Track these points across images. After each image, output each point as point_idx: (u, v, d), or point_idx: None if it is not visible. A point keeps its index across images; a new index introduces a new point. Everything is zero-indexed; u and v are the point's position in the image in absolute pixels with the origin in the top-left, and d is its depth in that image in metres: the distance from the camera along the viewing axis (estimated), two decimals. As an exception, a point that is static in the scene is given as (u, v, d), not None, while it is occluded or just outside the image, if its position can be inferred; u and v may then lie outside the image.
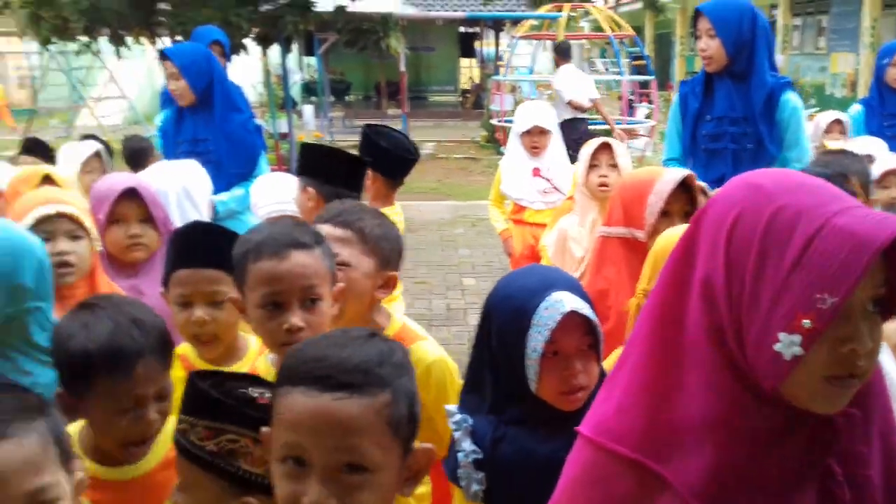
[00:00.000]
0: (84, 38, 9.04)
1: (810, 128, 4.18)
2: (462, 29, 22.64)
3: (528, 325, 1.46)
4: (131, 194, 2.34)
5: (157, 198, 2.43)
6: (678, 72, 23.04)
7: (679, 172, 2.31)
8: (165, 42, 9.57)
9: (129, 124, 14.79)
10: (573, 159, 5.36)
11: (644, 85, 14.59)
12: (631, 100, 14.24)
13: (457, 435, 1.54)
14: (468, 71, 24.18)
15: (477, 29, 22.07)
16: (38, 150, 3.99)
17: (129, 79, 15.03)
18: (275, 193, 2.83)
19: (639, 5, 21.09)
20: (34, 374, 1.72)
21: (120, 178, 2.46)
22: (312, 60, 19.02)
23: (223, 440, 1.20)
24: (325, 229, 1.82)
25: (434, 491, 1.84)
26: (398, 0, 18.27)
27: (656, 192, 2.23)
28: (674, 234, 1.84)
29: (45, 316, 1.79)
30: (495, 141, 13.52)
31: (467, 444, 1.52)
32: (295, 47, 13.12)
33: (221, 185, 3.71)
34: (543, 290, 1.49)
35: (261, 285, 1.57)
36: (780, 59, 14.49)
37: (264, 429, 1.12)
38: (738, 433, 0.96)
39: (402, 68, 14.54)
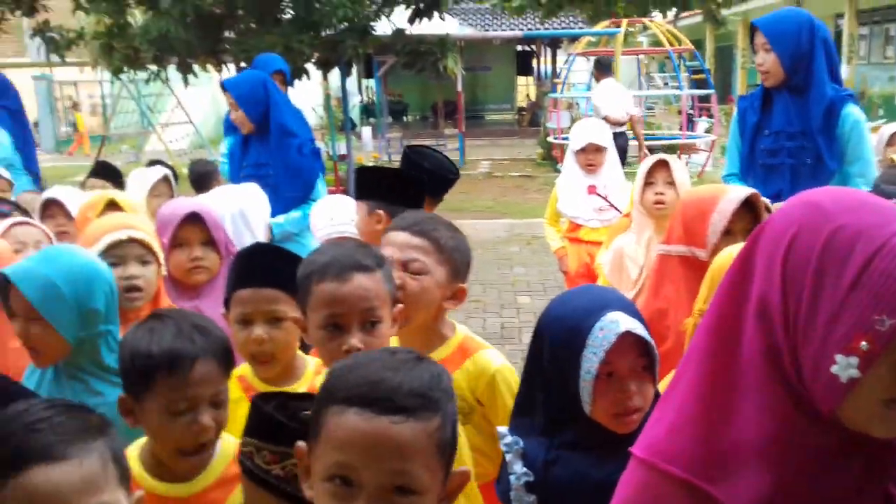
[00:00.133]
0: (153, 67, 9.37)
1: (874, 139, 4.05)
2: (519, 47, 22.72)
3: (582, 345, 1.45)
4: (194, 218, 2.42)
5: (218, 222, 2.51)
6: (740, 84, 22.63)
7: (743, 191, 2.26)
8: (230, 69, 9.86)
9: (194, 148, 15.26)
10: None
11: (704, 99, 14.36)
12: (690, 114, 14.03)
13: (508, 457, 1.53)
14: (525, 89, 24.22)
15: (534, 47, 22.13)
16: (106, 173, 4.15)
17: (194, 105, 15.51)
18: (334, 215, 2.87)
19: (699, 18, 20.81)
20: (105, 395, 1.79)
21: (183, 203, 2.54)
22: (371, 83, 19.33)
23: (289, 464, 1.22)
24: (402, 237, 1.86)
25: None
26: (455, 21, 18.46)
27: (720, 211, 2.19)
28: (731, 252, 1.81)
29: (113, 338, 1.87)
30: (552, 158, 13.48)
31: (518, 467, 1.51)
32: (354, 70, 13.36)
33: (279, 208, 3.80)
34: (598, 310, 1.47)
35: (322, 307, 1.61)
36: (845, 70, 14.10)
37: (300, 444, 1.13)
38: (793, 455, 0.94)
39: (459, 88, 14.65)
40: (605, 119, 8.59)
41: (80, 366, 1.87)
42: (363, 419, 1.03)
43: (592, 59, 14.90)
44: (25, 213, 3.10)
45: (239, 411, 1.81)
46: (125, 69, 9.32)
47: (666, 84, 20.02)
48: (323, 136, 11.94)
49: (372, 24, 9.59)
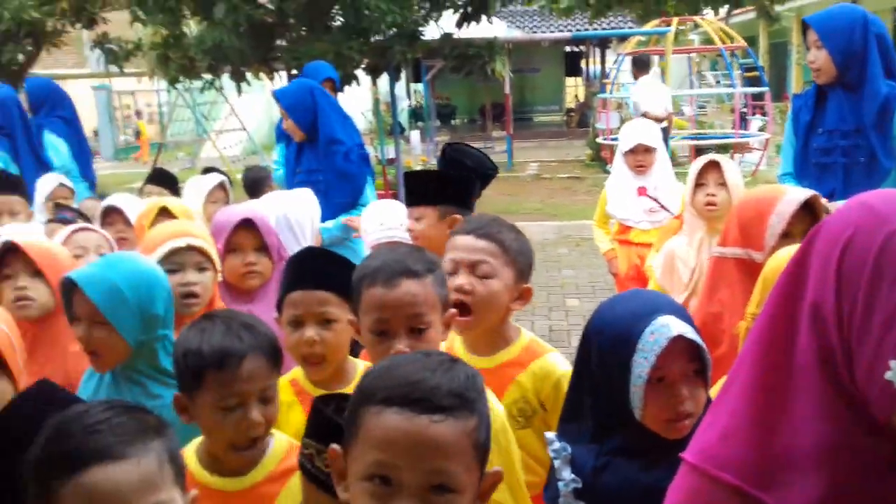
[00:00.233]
0: (208, 76, 9.60)
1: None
2: (567, 48, 22.58)
3: (632, 350, 1.44)
4: (247, 224, 2.48)
5: (270, 227, 2.56)
6: (794, 82, 22.08)
7: (803, 192, 2.22)
8: (282, 76, 10.03)
9: (247, 155, 15.54)
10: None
11: (758, 97, 14.06)
12: (743, 112, 13.76)
13: (556, 463, 1.52)
14: (573, 90, 24.05)
15: (582, 48, 21.97)
16: (162, 180, 4.27)
17: (247, 112, 15.81)
18: (384, 220, 2.87)
19: (752, 15, 20.38)
20: (163, 397, 1.84)
21: (237, 210, 2.60)
22: (419, 87, 19.43)
23: None
24: (468, 240, 1.88)
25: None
26: (503, 24, 18.45)
27: (778, 213, 2.15)
28: (784, 255, 1.77)
29: (170, 342, 1.93)
30: (601, 159, 13.36)
31: (567, 474, 1.50)
32: (403, 75, 13.46)
33: (329, 213, 3.87)
34: (648, 314, 1.46)
35: (371, 311, 1.63)
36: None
37: (334, 446, 1.15)
38: (848, 463, 0.92)
39: (507, 90, 14.63)
40: (645, 115, 8.55)
41: (138, 369, 1.93)
42: (403, 418, 1.05)
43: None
44: (87, 220, 3.21)
45: (291, 415, 1.87)
46: (181, 78, 9.57)
47: (718, 82, 19.67)
48: (372, 140, 12.04)
49: (420, 28, 9.66)
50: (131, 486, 1.10)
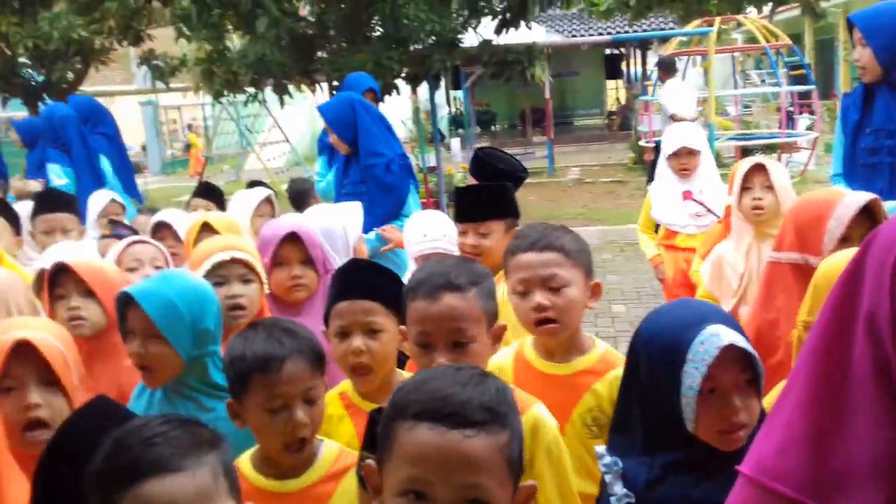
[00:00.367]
0: (251, 90, 9.76)
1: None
2: (607, 50, 22.42)
3: (682, 360, 1.41)
4: (293, 238, 2.50)
5: (315, 240, 2.58)
6: (842, 79, 21.57)
7: (862, 196, 2.19)
8: (323, 88, 10.15)
9: (291, 166, 15.73)
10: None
11: (805, 95, 13.78)
12: (790, 111, 13.48)
13: (608, 478, 1.51)
14: (614, 92, 23.85)
15: (623, 49, 21.78)
16: (208, 193, 4.34)
17: (290, 124, 16.02)
18: (427, 231, 2.87)
19: (796, 12, 19.99)
20: (216, 410, 1.88)
21: (282, 223, 2.62)
22: (459, 94, 19.46)
23: None
24: (531, 258, 1.88)
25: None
26: (542, 29, 18.39)
27: (837, 217, 2.11)
28: (836, 260, 1.74)
29: (219, 357, 1.96)
30: (644, 163, 13.21)
31: (619, 488, 1.48)
32: (442, 83, 13.51)
33: (373, 224, 3.92)
34: (697, 323, 1.44)
35: (415, 324, 1.66)
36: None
37: (369, 462, 1.16)
38: None
39: (547, 95, 14.57)
40: (672, 118, 8.56)
41: (189, 384, 1.97)
42: (436, 433, 1.05)
43: (684, 59, 14.58)
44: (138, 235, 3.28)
45: (341, 427, 1.89)
46: (225, 92, 9.74)
47: (763, 81, 19.33)
48: (412, 148, 12.10)
49: (459, 36, 9.69)
50: (186, 498, 1.13)
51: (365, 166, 4.12)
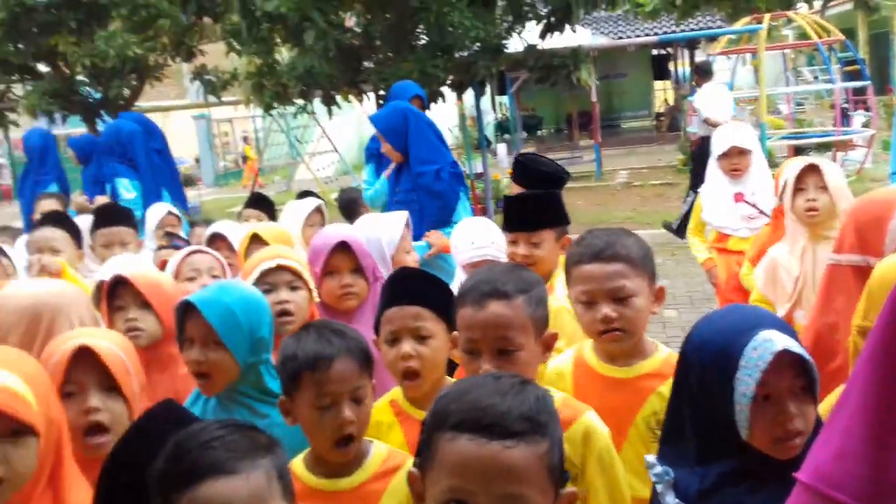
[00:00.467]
0: (300, 101, 9.91)
1: None
2: (655, 51, 22.15)
3: (735, 367, 1.39)
4: (343, 247, 2.54)
5: (365, 249, 2.62)
6: (900, 72, 20.94)
7: None
8: (370, 97, 10.24)
9: (339, 175, 15.93)
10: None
11: (859, 91, 13.41)
12: (845, 108, 13.13)
13: (659, 488, 1.49)
14: (662, 93, 23.54)
15: (670, 50, 21.50)
16: (259, 204, 4.44)
17: (338, 134, 16.22)
18: (475, 239, 2.85)
19: (849, 6, 19.49)
20: (271, 416, 1.92)
21: (333, 233, 2.66)
22: (504, 99, 19.45)
23: None
24: (595, 269, 1.87)
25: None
26: (588, 31, 18.26)
27: None
28: (891, 263, 1.69)
29: (271, 365, 2.01)
30: (695, 164, 13.00)
31: (671, 499, 1.46)
32: (488, 88, 13.52)
33: (423, 232, 3.92)
34: (749, 329, 1.41)
35: (463, 330, 1.70)
36: None
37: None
38: None
39: (594, 98, 14.46)
40: (706, 121, 8.57)
41: (243, 392, 2.02)
42: (476, 445, 1.07)
43: (734, 57, 14.33)
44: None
45: (391, 435, 1.91)
46: (275, 105, 9.90)
47: (816, 78, 18.86)
48: (459, 155, 12.12)
49: (504, 42, 9.68)
50: (241, 500, 1.17)
51: (415, 174, 4.15)
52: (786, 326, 1.48)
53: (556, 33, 9.83)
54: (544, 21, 9.78)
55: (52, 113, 10.87)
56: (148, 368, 2.19)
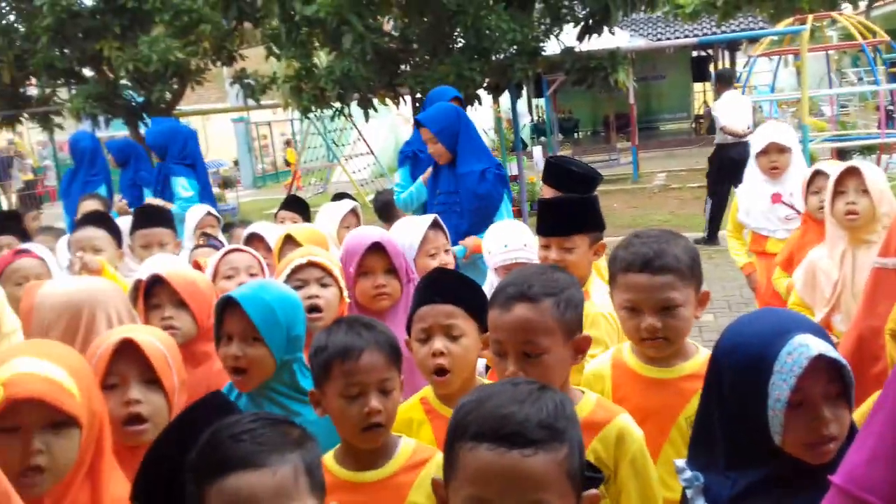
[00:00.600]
0: (337, 105, 10.00)
1: None
2: (694, 53, 21.90)
3: (768, 372, 1.37)
4: (377, 248, 2.56)
5: (399, 250, 2.63)
6: (948, 74, 20.40)
7: None
8: (406, 101, 10.29)
9: (375, 178, 16.02)
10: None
11: (905, 93, 13.08)
12: (890, 110, 12.83)
13: (689, 493, 1.47)
14: (701, 95, 23.25)
15: (710, 51, 21.24)
16: (295, 206, 4.49)
17: (373, 136, 16.31)
18: (508, 242, 2.83)
19: (894, 6, 19.05)
20: (303, 414, 1.95)
21: (366, 234, 2.68)
22: (541, 101, 19.38)
23: None
24: (642, 280, 1.85)
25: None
26: (626, 33, 18.12)
27: None
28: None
29: (304, 364, 2.03)
30: (734, 167, 12.81)
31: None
32: (524, 91, 13.47)
33: (465, 233, 3.94)
34: (783, 333, 1.39)
35: (491, 332, 1.71)
36: None
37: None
38: None
39: (632, 100, 14.34)
40: (723, 130, 8.63)
41: (276, 389, 2.05)
42: (495, 454, 1.08)
43: (775, 59, 14.11)
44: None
45: (421, 432, 1.94)
46: (312, 108, 10.00)
47: (860, 79, 18.47)
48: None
49: (541, 44, 9.66)
50: (267, 493, 1.19)
51: (461, 175, 4.13)
52: (820, 330, 1.45)
53: (594, 35, 9.77)
54: (582, 23, 9.74)
55: (95, 116, 11.11)
56: (184, 363, 2.25)
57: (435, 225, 3.03)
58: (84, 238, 3.43)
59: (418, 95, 9.38)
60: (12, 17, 11.75)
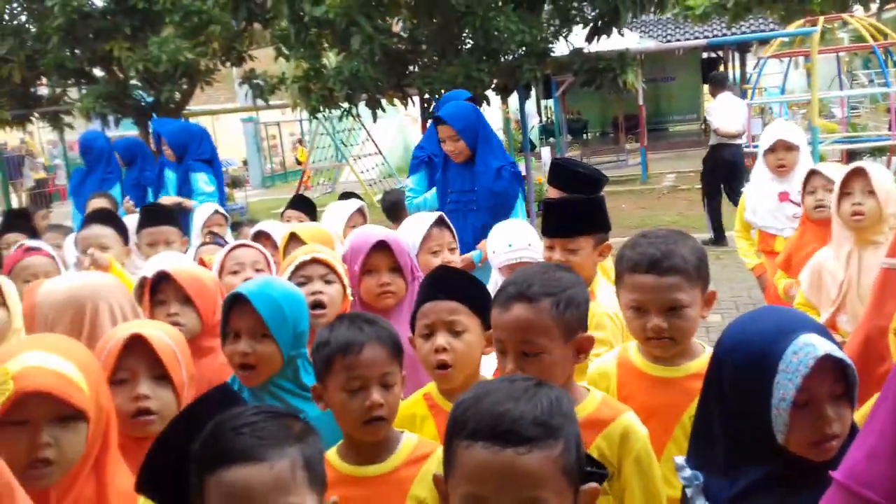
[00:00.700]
0: (346, 105, 10.02)
1: None
2: (704, 54, 21.84)
3: (773, 371, 1.37)
4: (382, 246, 2.57)
5: (404, 248, 2.64)
6: (961, 76, 20.26)
7: None
8: (415, 101, 10.30)
9: (383, 178, 16.05)
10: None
11: (917, 95, 12.99)
12: (902, 112, 12.75)
13: (689, 492, 1.47)
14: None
15: (720, 53, 21.18)
16: (301, 205, 4.51)
17: (381, 137, 16.34)
18: (512, 241, 2.82)
19: (907, 8, 18.92)
20: (305, 411, 1.93)
21: (371, 232, 2.69)
22: (550, 102, 19.36)
23: None
24: (649, 280, 1.85)
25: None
26: (636, 34, 18.08)
27: None
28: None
29: (307, 360, 2.04)
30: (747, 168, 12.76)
31: (701, 502, 1.45)
32: (533, 92, 13.47)
33: (480, 232, 3.94)
34: (788, 332, 1.39)
35: (493, 331, 1.72)
36: None
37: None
38: None
39: (641, 101, 14.32)
40: (716, 132, 8.80)
41: (280, 385, 2.06)
42: (490, 453, 1.09)
43: (786, 60, 14.04)
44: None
45: (424, 428, 1.95)
46: (321, 108, 10.03)
47: (871, 81, 18.38)
48: (504, 159, 12.08)
49: (550, 45, 9.65)
50: (263, 487, 1.20)
51: (479, 172, 4.12)
52: (823, 330, 1.45)
53: (604, 36, 9.77)
54: (591, 24, 9.73)
55: (105, 116, 11.17)
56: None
57: (440, 223, 3.02)
58: (91, 236, 3.45)
59: (426, 96, 9.40)
60: (24, 18, 11.82)
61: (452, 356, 1.94)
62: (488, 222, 3.96)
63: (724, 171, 8.78)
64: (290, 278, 2.39)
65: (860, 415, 1.44)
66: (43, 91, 12.69)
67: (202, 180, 5.91)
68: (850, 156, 10.97)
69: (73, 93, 12.43)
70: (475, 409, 1.15)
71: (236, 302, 2.02)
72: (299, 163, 21.69)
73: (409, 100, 10.37)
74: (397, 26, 10.33)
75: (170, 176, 6.07)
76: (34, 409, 1.49)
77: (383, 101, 10.06)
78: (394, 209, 5.24)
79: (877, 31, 12.51)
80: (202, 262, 2.99)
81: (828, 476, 1.11)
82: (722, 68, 21.43)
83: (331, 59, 10.53)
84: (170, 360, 1.83)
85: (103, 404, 1.61)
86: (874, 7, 17.30)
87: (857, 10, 16.59)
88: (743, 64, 20.01)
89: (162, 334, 1.88)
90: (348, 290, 2.50)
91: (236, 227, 4.76)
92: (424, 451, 1.73)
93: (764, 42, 15.17)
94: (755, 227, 4.03)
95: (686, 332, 1.88)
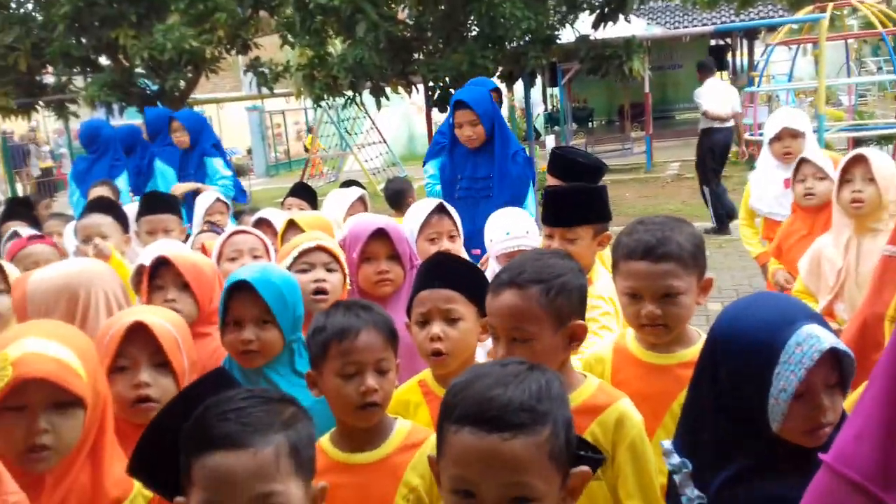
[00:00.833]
0: (350, 93, 10.01)
1: None
2: (712, 42, 21.71)
3: (773, 362, 1.35)
4: (380, 234, 2.57)
5: (402, 236, 2.64)
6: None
7: None
8: (419, 89, 10.29)
9: (387, 166, 16.04)
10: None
11: (926, 82, 12.92)
12: (910, 100, 12.68)
13: (677, 479, 1.47)
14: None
15: (728, 40, 21.05)
16: (302, 193, 4.51)
17: (386, 125, 16.31)
18: (511, 229, 2.81)
19: (917, -6, 18.76)
20: (299, 399, 1.95)
21: (370, 220, 2.69)
22: (555, 90, 19.29)
23: None
24: (642, 267, 1.85)
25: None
26: (643, 21, 17.98)
27: None
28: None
29: (303, 345, 2.05)
30: (752, 157, 12.72)
31: (690, 490, 1.45)
32: (538, 79, 13.41)
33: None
34: (789, 323, 1.37)
35: (489, 316, 1.72)
36: None
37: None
38: None
39: (647, 89, 14.26)
40: (705, 114, 8.84)
41: (275, 370, 2.07)
42: (476, 438, 1.11)
43: (794, 47, 13.95)
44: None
45: (419, 414, 1.96)
46: (325, 96, 10.02)
47: (879, 69, 18.25)
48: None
49: (555, 32, 9.61)
50: (246, 473, 1.20)
51: (499, 156, 4.09)
52: (822, 320, 1.43)
53: (610, 23, 9.72)
54: (598, 11, 9.68)
55: (110, 104, 11.18)
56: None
57: (440, 210, 3.00)
58: (91, 224, 3.46)
59: (430, 84, 9.38)
60: (30, 6, 11.84)
61: (447, 344, 1.95)
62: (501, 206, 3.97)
63: (714, 154, 8.85)
64: (292, 265, 2.40)
65: (849, 401, 1.44)
66: (48, 79, 12.71)
67: (219, 164, 5.95)
68: (857, 144, 10.91)
69: (79, 81, 12.45)
70: (465, 394, 1.16)
71: (238, 289, 2.03)
72: (307, 150, 21.72)
73: (414, 88, 10.34)
74: (403, 13, 10.30)
75: (160, 166, 6.08)
76: (32, 395, 1.50)
77: (387, 90, 10.04)
78: (397, 198, 5.23)
79: (886, 17, 12.41)
80: (203, 249, 3.00)
81: (817, 460, 1.12)
82: (730, 55, 21.32)
83: (337, 46, 10.52)
84: (171, 348, 1.84)
85: (100, 390, 1.62)
86: (883, -7, 17.13)
87: (867, -4, 16.44)
88: (751, 51, 19.89)
89: (164, 321, 1.88)
90: (348, 279, 2.51)
91: (238, 216, 4.77)
92: (418, 438, 1.74)
93: (772, 29, 15.07)
94: (760, 215, 4.02)
95: (680, 318, 1.88)
